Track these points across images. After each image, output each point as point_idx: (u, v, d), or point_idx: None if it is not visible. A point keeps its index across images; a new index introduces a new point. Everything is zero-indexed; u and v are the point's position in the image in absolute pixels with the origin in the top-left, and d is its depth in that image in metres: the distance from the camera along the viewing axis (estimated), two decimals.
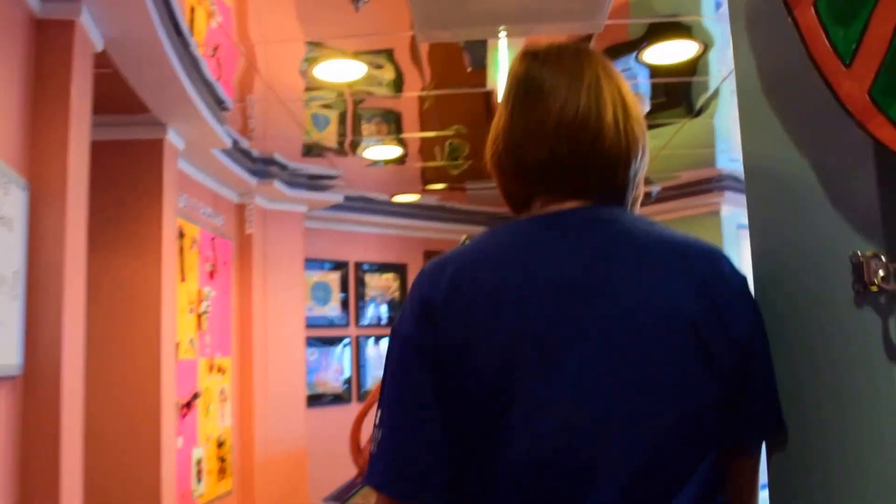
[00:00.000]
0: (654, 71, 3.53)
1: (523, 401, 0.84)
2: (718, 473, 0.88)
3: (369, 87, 3.64)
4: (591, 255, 0.90)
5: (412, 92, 3.73)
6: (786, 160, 0.90)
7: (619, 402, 0.84)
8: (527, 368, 0.85)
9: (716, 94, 3.84)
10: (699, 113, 4.13)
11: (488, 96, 3.91)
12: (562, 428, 0.84)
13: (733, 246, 5.42)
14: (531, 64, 0.99)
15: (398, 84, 3.63)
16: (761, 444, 0.95)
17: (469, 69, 3.52)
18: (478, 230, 7.28)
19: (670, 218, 5.64)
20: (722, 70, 3.53)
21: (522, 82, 0.99)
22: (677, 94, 3.88)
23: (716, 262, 0.93)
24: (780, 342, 0.92)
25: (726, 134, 4.59)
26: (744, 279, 0.94)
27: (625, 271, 0.89)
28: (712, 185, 5.37)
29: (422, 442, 0.87)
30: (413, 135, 4.50)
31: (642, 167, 1.00)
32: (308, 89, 3.67)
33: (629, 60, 3.42)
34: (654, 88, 3.80)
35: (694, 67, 3.48)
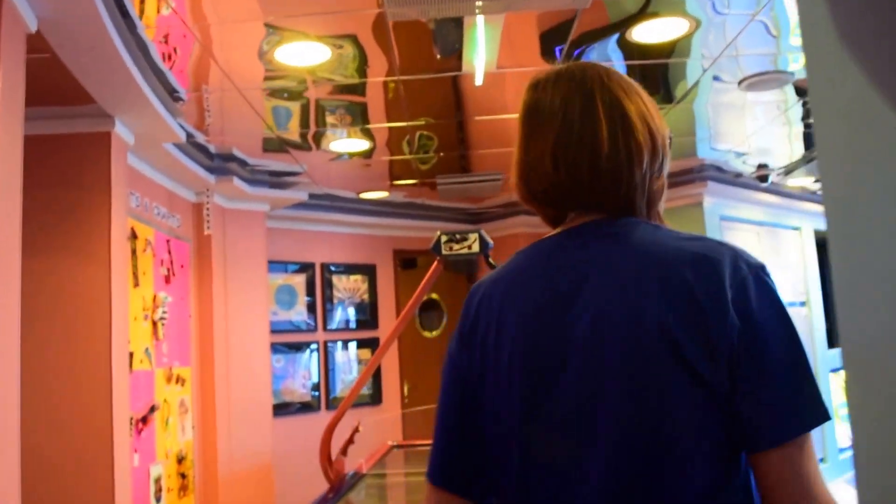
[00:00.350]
0: (633, 53, 3.37)
1: (518, 443, 0.95)
2: (723, 480, 0.87)
3: (333, 72, 3.41)
4: (581, 269, 0.96)
5: (378, 77, 3.51)
6: (875, 134, 0.69)
7: (598, 414, 0.88)
8: (519, 406, 0.94)
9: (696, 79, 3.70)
10: (680, 99, 3.98)
11: (457, 84, 3.71)
12: (553, 475, 0.92)
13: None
14: (532, 94, 1.06)
15: (363, 69, 3.42)
16: (788, 440, 0.86)
17: (438, 57, 3.32)
18: (450, 227, 7.10)
19: None
20: (704, 53, 3.38)
21: (526, 113, 1.06)
22: (655, 78, 3.73)
23: (708, 268, 0.89)
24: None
25: (706, 122, 4.46)
26: (744, 285, 0.89)
27: (606, 283, 0.93)
28: (694, 175, 5.27)
29: (452, 446, 1.04)
30: (380, 125, 4.30)
31: (655, 171, 1.02)
32: (268, 77, 3.44)
33: (608, 43, 3.26)
34: (632, 71, 3.64)
35: (671, 50, 3.33)
